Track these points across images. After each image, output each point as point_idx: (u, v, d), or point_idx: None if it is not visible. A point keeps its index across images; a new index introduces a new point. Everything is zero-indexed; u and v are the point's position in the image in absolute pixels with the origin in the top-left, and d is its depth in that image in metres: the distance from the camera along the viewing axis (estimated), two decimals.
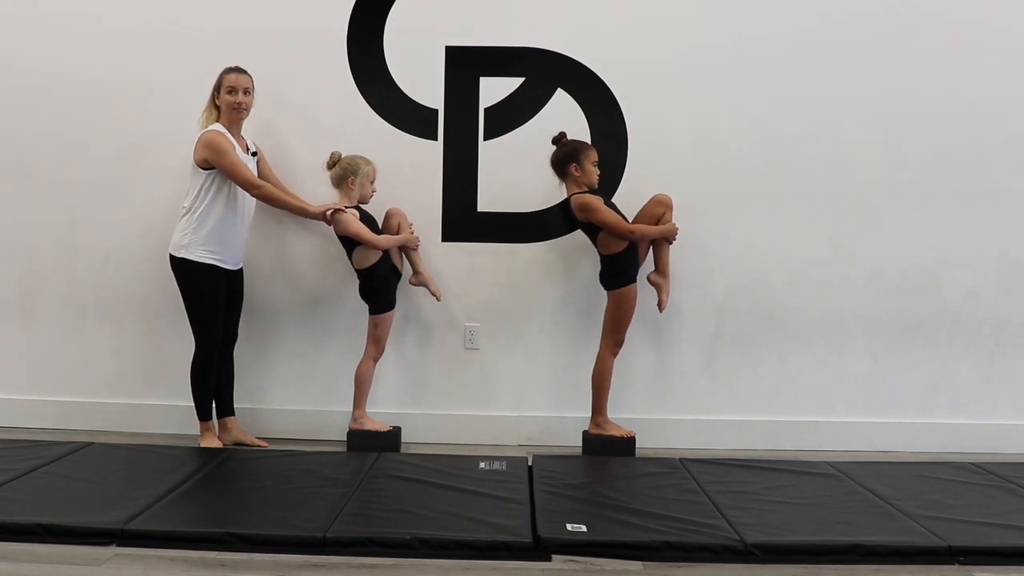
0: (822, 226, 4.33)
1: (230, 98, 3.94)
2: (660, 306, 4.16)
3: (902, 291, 4.34)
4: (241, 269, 4.17)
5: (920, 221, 4.32)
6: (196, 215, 3.93)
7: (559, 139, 4.15)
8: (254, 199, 4.05)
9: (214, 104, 3.99)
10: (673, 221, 4.08)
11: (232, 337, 4.20)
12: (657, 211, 4.08)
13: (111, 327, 4.42)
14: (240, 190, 3.95)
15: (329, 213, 3.96)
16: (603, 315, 4.18)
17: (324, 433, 4.35)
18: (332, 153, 4.13)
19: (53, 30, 4.36)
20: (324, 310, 4.40)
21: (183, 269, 3.96)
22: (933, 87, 4.28)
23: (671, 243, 4.11)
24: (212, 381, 4.09)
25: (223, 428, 4.17)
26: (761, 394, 4.37)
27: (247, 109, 3.99)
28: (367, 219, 4.11)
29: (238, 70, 3.98)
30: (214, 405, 4.14)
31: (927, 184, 4.31)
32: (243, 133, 4.06)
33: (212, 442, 4.06)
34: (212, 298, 3.99)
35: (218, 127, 3.94)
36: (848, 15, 4.27)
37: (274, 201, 3.98)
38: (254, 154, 4.08)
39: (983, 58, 4.27)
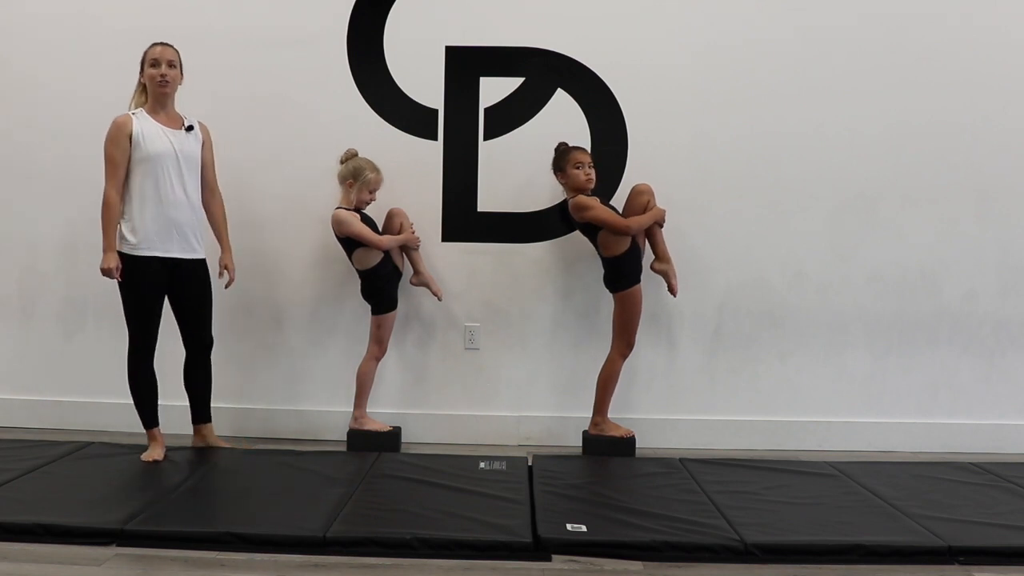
0: (822, 226, 4.33)
1: (153, 71, 3.70)
2: (672, 291, 4.14)
3: (902, 291, 4.34)
4: (201, 260, 3.88)
5: (920, 221, 4.33)
6: (126, 206, 3.70)
7: (556, 148, 4.15)
8: (198, 177, 3.82)
9: (142, 83, 3.78)
10: (665, 211, 4.07)
11: (201, 341, 3.95)
12: (641, 200, 4.05)
13: (111, 327, 4.40)
14: (169, 169, 3.69)
15: (112, 273, 3.65)
16: (604, 316, 4.19)
17: (324, 433, 4.35)
18: (347, 150, 4.12)
19: (53, 31, 4.37)
20: (324, 310, 4.40)
21: (123, 263, 3.71)
22: (933, 87, 4.28)
23: (662, 226, 4.10)
24: (150, 384, 3.85)
25: (198, 435, 4.05)
26: (761, 394, 4.37)
27: (171, 83, 3.74)
28: (366, 221, 4.10)
29: (162, 44, 3.75)
30: (189, 410, 4.01)
31: (927, 184, 4.31)
32: (178, 110, 3.83)
33: (156, 453, 3.80)
34: (140, 292, 3.72)
35: (133, 112, 3.73)
36: (848, 16, 4.27)
37: (101, 215, 3.65)
38: (190, 128, 3.80)
39: (983, 58, 4.27)
